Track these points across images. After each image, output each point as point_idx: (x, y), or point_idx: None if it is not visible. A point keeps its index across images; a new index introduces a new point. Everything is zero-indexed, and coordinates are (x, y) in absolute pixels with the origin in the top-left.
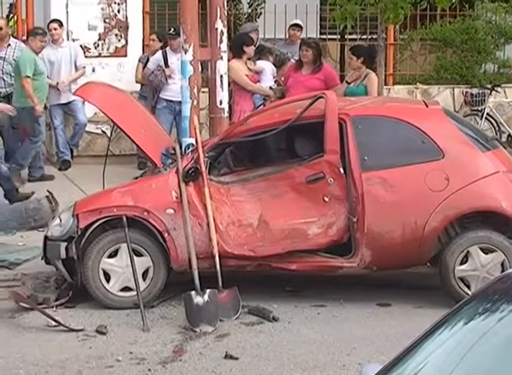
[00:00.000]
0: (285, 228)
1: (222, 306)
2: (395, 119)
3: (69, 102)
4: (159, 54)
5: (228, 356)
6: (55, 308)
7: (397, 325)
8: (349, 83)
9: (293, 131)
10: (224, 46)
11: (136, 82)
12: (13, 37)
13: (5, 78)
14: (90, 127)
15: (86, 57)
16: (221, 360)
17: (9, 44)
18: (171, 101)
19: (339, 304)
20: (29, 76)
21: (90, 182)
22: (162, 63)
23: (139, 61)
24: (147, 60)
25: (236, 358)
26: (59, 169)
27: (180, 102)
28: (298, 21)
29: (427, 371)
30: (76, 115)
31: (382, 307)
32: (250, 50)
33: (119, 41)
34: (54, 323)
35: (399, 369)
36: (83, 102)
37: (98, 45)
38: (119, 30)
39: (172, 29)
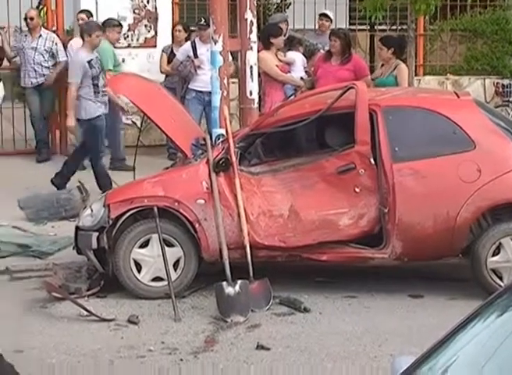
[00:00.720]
0: (316, 219)
1: (253, 297)
2: (426, 109)
3: None
4: (188, 45)
5: (259, 347)
6: (86, 298)
7: (429, 317)
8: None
9: (324, 122)
10: (254, 36)
11: (162, 72)
12: (44, 27)
13: (36, 68)
14: (126, 119)
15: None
16: (252, 351)
17: (41, 35)
18: (200, 91)
19: (370, 295)
20: (111, 70)
21: (121, 172)
22: (191, 54)
23: (163, 51)
24: (171, 51)
25: (268, 349)
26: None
27: (209, 93)
28: (326, 11)
29: (459, 364)
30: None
31: (414, 298)
32: (277, 41)
33: (149, 31)
34: (86, 313)
35: (431, 361)
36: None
37: (128, 36)
38: (148, 21)
39: (203, 20)
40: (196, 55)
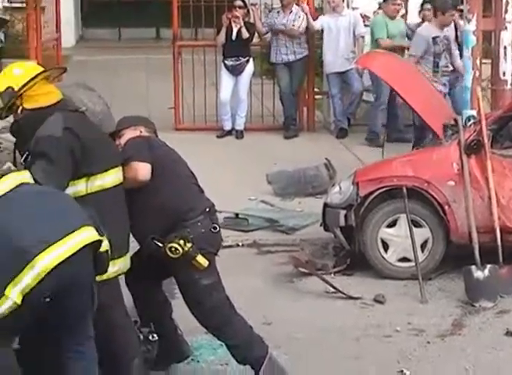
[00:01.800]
0: None
1: (502, 282)
2: None
3: (346, 71)
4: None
5: (509, 333)
6: (333, 275)
7: None
8: None
9: None
10: (509, 16)
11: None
12: (296, 4)
13: (287, 45)
14: (367, 96)
15: (365, 26)
16: (501, 337)
17: (291, 11)
18: None
19: None
20: (381, 38)
21: (366, 151)
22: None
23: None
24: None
25: None
26: (336, 137)
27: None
28: None
29: None
30: (352, 83)
31: None
32: None
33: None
34: (332, 290)
35: None
36: (363, 71)
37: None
38: None
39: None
40: None
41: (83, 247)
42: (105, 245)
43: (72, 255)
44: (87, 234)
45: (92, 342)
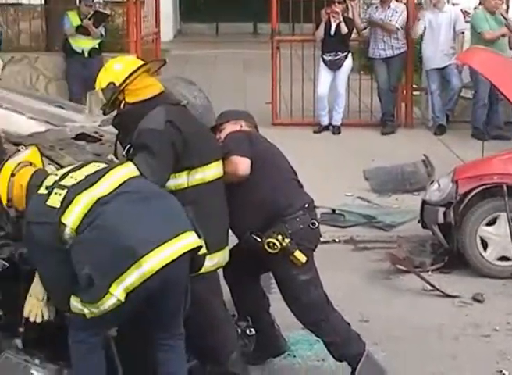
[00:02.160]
0: None
1: None
2: None
3: (446, 67)
4: None
5: None
6: (430, 273)
7: None
8: None
9: None
10: None
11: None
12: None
13: (385, 40)
14: (465, 93)
15: (466, 22)
16: None
17: (389, 6)
18: None
19: None
20: (485, 30)
21: (465, 148)
22: None
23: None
24: None
25: None
26: (434, 134)
27: None
28: None
29: None
30: (451, 79)
31: None
32: None
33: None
34: (430, 288)
35: None
36: (462, 67)
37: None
38: None
39: None
40: None
41: (186, 251)
42: (203, 250)
43: (177, 258)
44: (191, 240)
45: (182, 339)
